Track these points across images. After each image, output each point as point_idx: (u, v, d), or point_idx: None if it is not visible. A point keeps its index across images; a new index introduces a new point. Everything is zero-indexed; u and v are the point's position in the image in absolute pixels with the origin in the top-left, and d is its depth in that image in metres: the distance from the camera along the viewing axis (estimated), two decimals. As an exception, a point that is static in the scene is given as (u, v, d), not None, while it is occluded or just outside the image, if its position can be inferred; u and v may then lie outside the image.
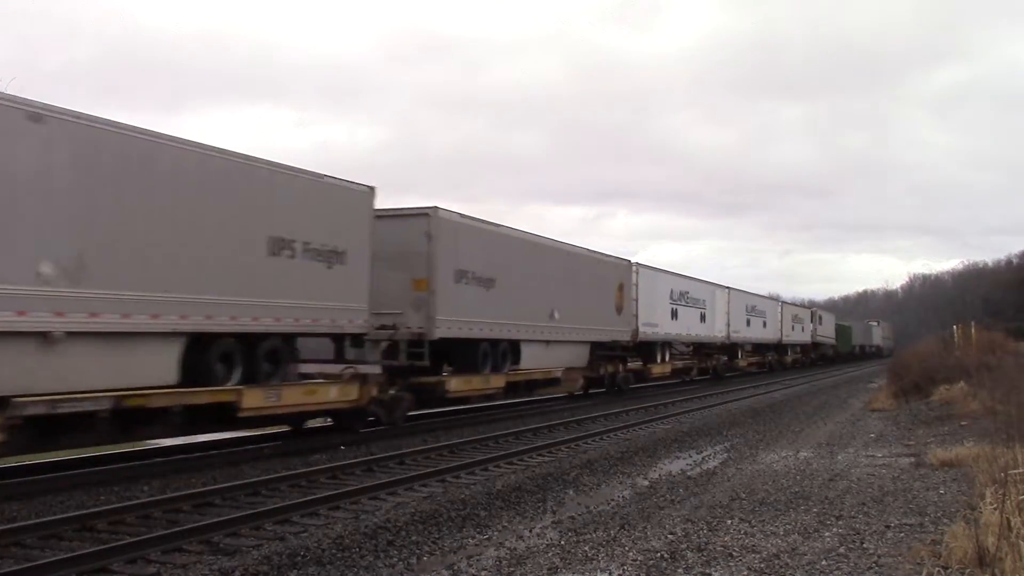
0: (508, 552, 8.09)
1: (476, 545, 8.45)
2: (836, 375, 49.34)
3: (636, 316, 29.33)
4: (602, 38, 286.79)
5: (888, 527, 8.71)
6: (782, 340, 52.76)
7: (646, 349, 31.36)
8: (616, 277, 27.96)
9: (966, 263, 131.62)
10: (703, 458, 14.68)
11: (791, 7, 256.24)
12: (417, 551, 8.17)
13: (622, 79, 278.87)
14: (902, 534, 8.38)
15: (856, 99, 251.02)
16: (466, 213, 19.49)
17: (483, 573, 7.40)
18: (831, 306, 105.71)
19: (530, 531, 9.04)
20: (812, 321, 62.34)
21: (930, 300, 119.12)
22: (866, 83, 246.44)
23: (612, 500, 10.81)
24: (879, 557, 7.51)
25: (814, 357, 63.95)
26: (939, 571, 6.70)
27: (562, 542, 8.44)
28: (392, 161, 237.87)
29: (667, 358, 33.49)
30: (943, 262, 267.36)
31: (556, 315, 22.73)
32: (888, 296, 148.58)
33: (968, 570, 6.65)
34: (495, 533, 8.99)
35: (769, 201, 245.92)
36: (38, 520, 8.77)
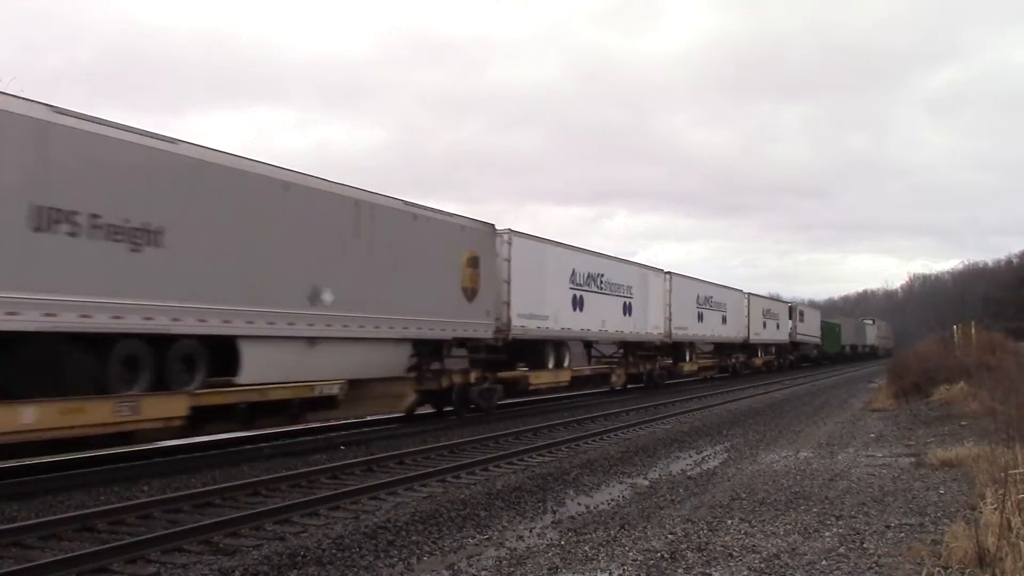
0: (508, 552, 8.10)
1: (476, 545, 8.46)
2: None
3: (508, 304, 21.46)
4: (600, 39, 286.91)
5: (888, 527, 8.71)
6: (749, 339, 44.68)
7: (531, 350, 23.74)
8: (464, 247, 19.45)
9: (966, 263, 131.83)
10: (703, 458, 14.69)
11: (788, 9, 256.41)
12: (417, 551, 8.17)
13: (621, 80, 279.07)
14: (902, 534, 8.37)
15: (854, 100, 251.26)
16: (85, 114, 11.06)
17: (483, 573, 7.40)
18: (831, 306, 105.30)
19: (530, 531, 9.04)
20: (791, 317, 54.73)
21: (930, 300, 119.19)
22: (864, 84, 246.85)
23: (612, 500, 10.81)
24: (879, 557, 7.51)
25: (793, 359, 56.33)
26: (939, 571, 6.70)
27: (562, 542, 8.44)
28: (392, 162, 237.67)
29: (566, 362, 25.52)
30: (941, 263, 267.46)
31: (327, 297, 15.00)
32: (888, 296, 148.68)
33: (968, 570, 6.65)
34: (495, 533, 8.99)
35: (768, 201, 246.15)
36: (38, 520, 8.77)
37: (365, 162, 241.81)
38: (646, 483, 12.11)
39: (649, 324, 31.28)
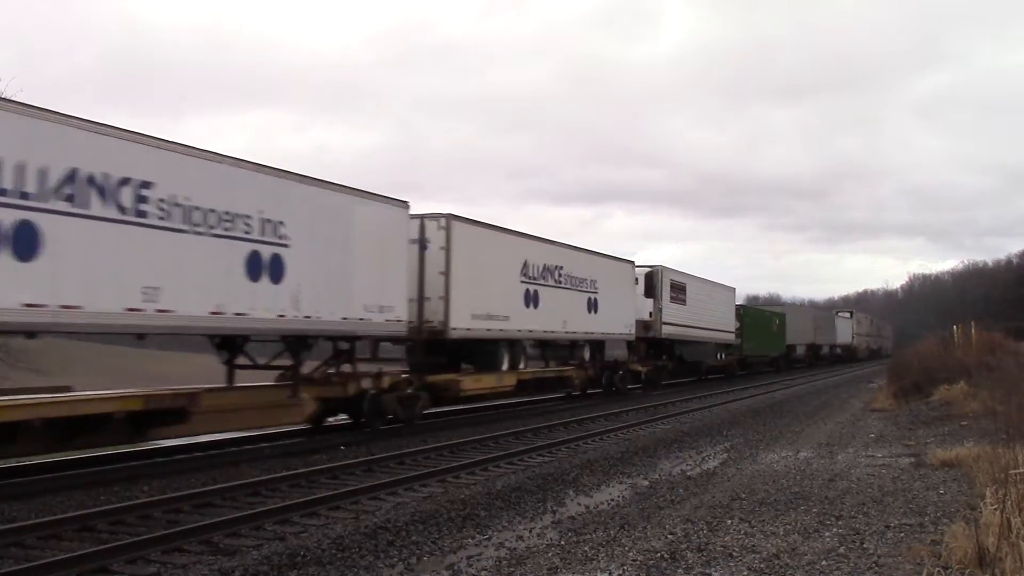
0: (508, 552, 8.10)
1: (476, 545, 8.46)
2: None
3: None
4: (595, 43, 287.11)
5: (888, 527, 8.71)
6: (449, 329, 18.17)
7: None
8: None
9: (966, 263, 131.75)
10: (703, 458, 14.68)
11: (779, 14, 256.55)
12: (417, 551, 8.18)
13: (616, 83, 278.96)
14: (902, 534, 8.38)
15: (846, 103, 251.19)
16: None
17: (483, 573, 7.40)
18: (830, 306, 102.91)
19: (530, 531, 9.04)
20: (653, 293, 30.18)
21: (930, 300, 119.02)
22: (855, 87, 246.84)
23: (612, 500, 10.81)
24: (879, 557, 7.51)
25: (647, 373, 29.98)
26: (939, 571, 6.70)
27: (562, 542, 8.44)
28: (391, 164, 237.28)
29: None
30: (938, 263, 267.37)
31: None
32: (888, 296, 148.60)
33: (968, 570, 6.65)
34: (495, 533, 8.99)
35: (765, 202, 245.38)
36: (38, 520, 8.77)
37: (364, 164, 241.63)
38: (646, 483, 12.10)
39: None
